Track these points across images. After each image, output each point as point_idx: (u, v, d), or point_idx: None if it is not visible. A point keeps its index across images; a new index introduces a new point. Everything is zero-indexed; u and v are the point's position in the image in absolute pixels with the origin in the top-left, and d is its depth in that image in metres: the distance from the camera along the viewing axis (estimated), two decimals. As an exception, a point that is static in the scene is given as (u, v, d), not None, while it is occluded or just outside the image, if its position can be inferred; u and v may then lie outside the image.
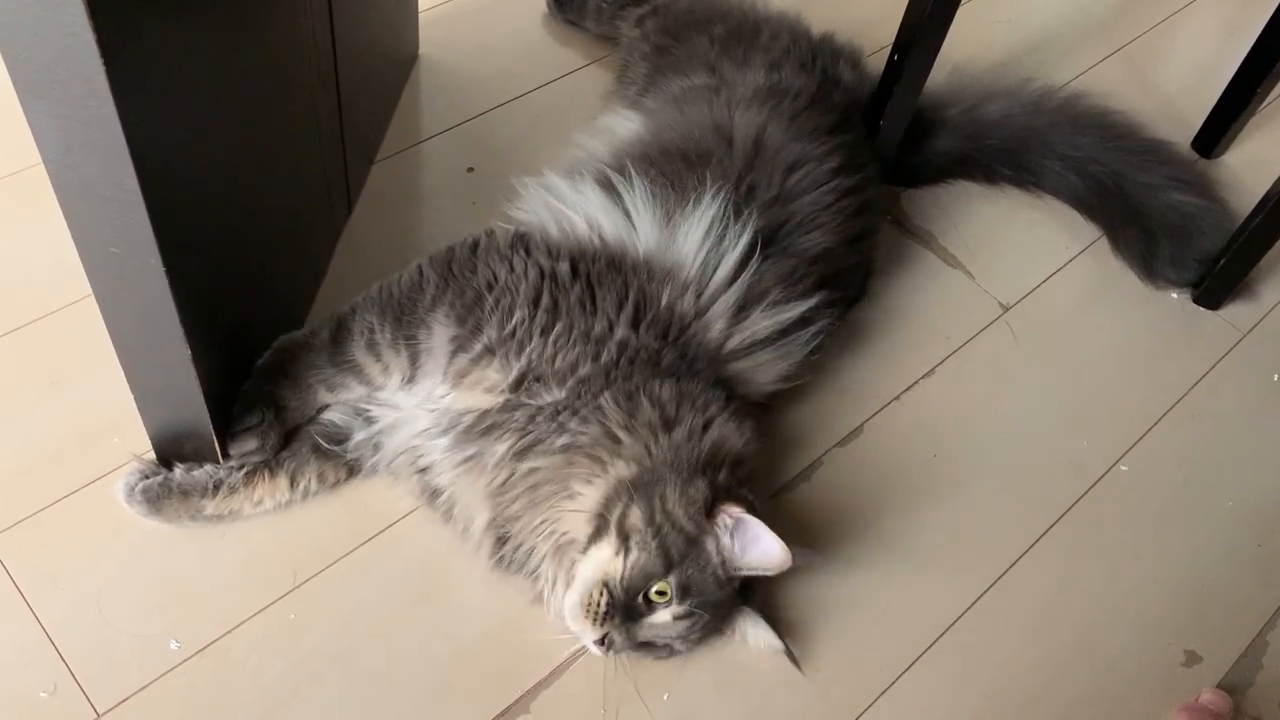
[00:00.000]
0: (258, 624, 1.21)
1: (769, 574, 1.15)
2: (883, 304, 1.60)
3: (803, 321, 1.33)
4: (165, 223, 0.95)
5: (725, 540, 1.13)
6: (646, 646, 1.14)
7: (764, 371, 1.31)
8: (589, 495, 1.15)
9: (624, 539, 1.11)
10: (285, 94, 1.25)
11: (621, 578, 1.10)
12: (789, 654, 1.20)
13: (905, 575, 1.36)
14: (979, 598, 1.35)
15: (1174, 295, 1.69)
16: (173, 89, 0.95)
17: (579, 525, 1.15)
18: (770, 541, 1.11)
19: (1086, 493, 1.46)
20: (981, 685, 1.29)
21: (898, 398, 1.51)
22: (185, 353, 1.08)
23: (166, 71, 0.93)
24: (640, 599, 1.11)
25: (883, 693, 1.27)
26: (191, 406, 1.17)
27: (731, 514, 1.13)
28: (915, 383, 1.53)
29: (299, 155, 1.34)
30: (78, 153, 0.89)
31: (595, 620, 1.10)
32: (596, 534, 1.13)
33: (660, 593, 1.11)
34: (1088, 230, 1.74)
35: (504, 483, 1.17)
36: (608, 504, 1.13)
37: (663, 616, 1.12)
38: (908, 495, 1.42)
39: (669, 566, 1.11)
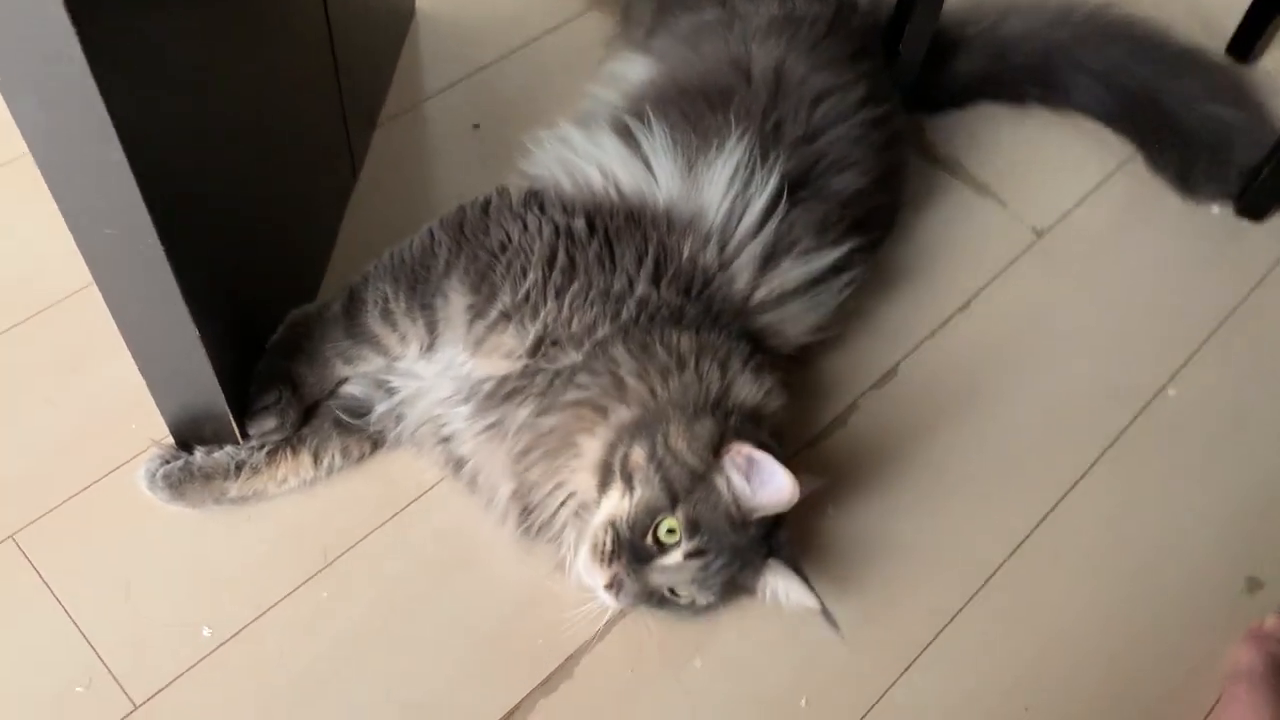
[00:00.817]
0: (290, 605, 1.18)
1: (782, 510, 1.08)
2: (912, 238, 1.55)
3: (835, 269, 1.27)
4: (159, 199, 0.91)
5: (736, 479, 1.07)
6: (665, 602, 1.09)
7: (795, 323, 1.26)
8: (592, 446, 1.11)
9: (628, 479, 1.07)
10: (278, 58, 1.21)
11: (628, 516, 1.06)
12: (825, 614, 1.11)
13: (950, 517, 1.32)
14: (1028, 536, 1.31)
15: (1214, 210, 1.63)
16: (155, 57, 0.90)
17: (587, 481, 1.11)
18: (777, 473, 1.04)
19: (1134, 421, 1.41)
20: (1036, 627, 1.25)
21: (932, 335, 1.46)
22: (194, 334, 1.04)
23: (146, 39, 0.88)
24: (649, 539, 1.06)
25: (931, 641, 1.23)
26: (206, 389, 1.13)
27: (741, 452, 1.06)
28: (950, 318, 1.48)
29: (297, 122, 1.30)
30: (60, 129, 0.85)
31: (602, 560, 1.06)
32: (604, 484, 1.09)
33: (670, 531, 1.06)
34: (1121, 147, 1.67)
35: (524, 449, 1.14)
36: (611, 450, 1.09)
37: (674, 558, 1.06)
38: (948, 435, 1.38)
39: (674, 500, 1.05)
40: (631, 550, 1.06)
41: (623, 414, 1.10)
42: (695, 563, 1.06)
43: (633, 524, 1.06)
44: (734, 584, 1.10)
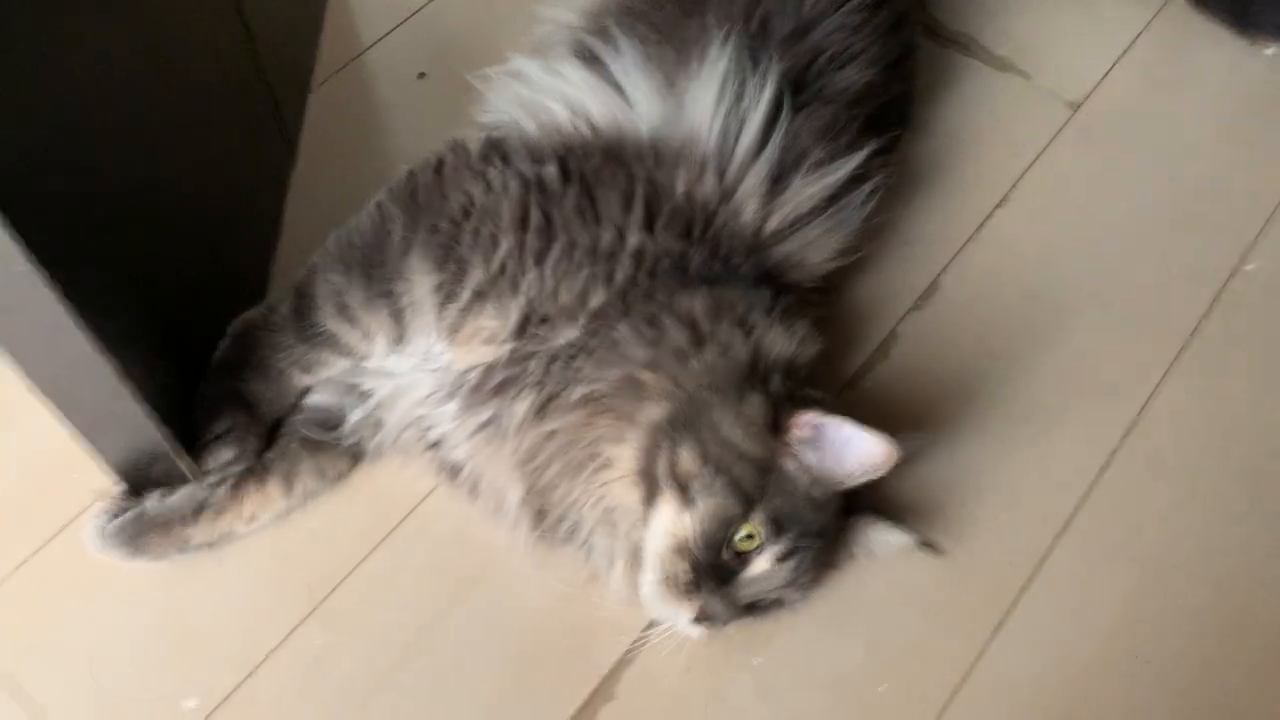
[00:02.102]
0: (282, 658, 1.03)
1: (878, 475, 0.94)
2: (932, 131, 1.35)
3: (854, 180, 1.10)
4: (30, 221, 0.74)
5: (808, 456, 0.93)
6: (754, 609, 0.95)
7: (816, 249, 1.09)
8: (625, 456, 0.95)
9: (683, 490, 0.91)
10: (170, 29, 1.02)
11: (696, 535, 0.91)
12: (924, 544, 1.02)
13: (1024, 442, 1.15)
14: (1115, 451, 1.15)
15: (1269, 51, 1.43)
16: (4, 50, 0.72)
17: (625, 493, 0.95)
18: (865, 438, 0.91)
19: (1213, 304, 1.24)
20: (1137, 550, 1.10)
21: (971, 238, 1.28)
22: (109, 369, 0.88)
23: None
24: (727, 553, 0.91)
25: (1018, 598, 1.07)
26: (141, 428, 0.97)
27: (805, 423, 0.92)
28: (989, 216, 1.30)
29: (207, 101, 1.11)
30: None
31: (683, 595, 0.92)
32: (650, 496, 0.93)
33: (749, 537, 0.91)
34: (1151, -7, 1.47)
35: (531, 449, 0.97)
36: (649, 457, 0.93)
37: (761, 565, 0.92)
38: (1007, 349, 1.20)
39: (748, 503, 0.91)
40: (712, 572, 0.91)
41: (651, 412, 0.94)
42: (788, 564, 0.92)
43: (706, 542, 0.91)
44: (823, 564, 0.98)
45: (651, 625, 1.01)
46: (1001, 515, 1.11)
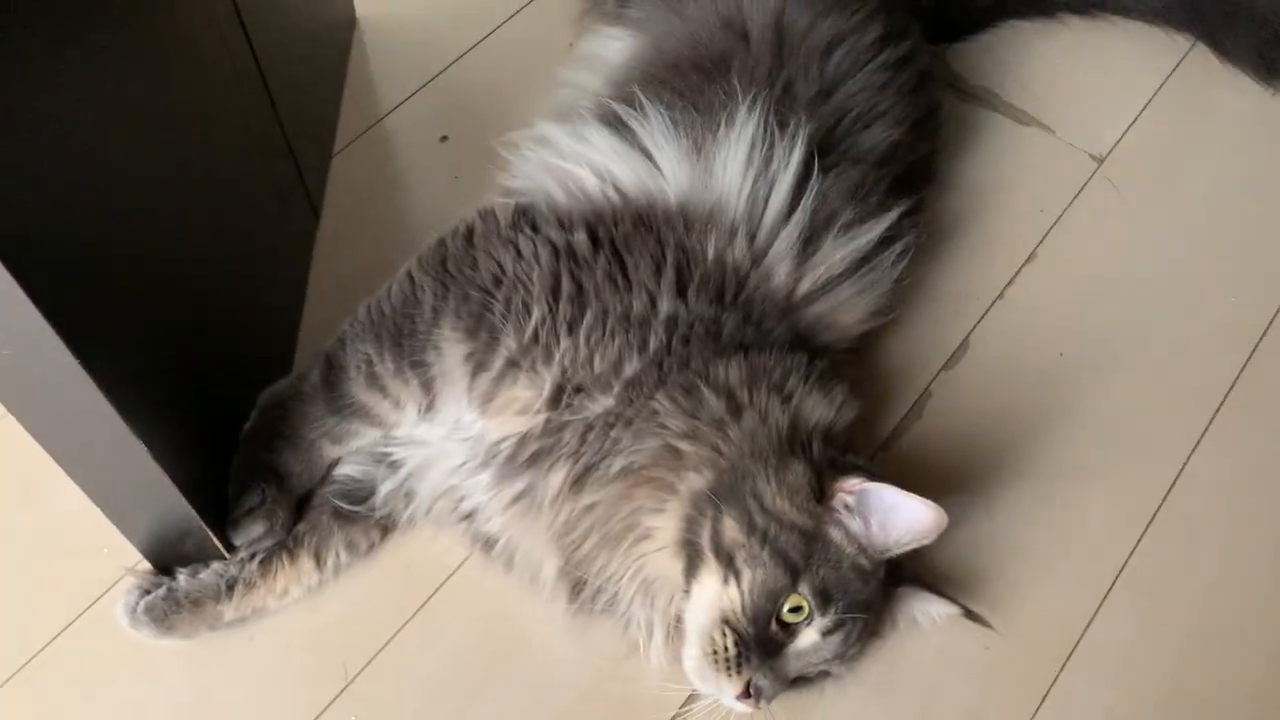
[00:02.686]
0: (314, 738, 1.01)
1: (926, 543, 0.93)
2: (957, 186, 1.35)
3: (884, 241, 1.09)
4: (60, 304, 0.73)
5: (854, 524, 0.92)
6: (799, 682, 0.93)
7: (849, 310, 1.08)
8: (665, 526, 0.93)
9: (727, 561, 0.89)
10: (197, 104, 1.01)
11: (742, 608, 0.89)
12: (969, 614, 0.99)
13: (1061, 504, 1.14)
14: (1155, 513, 1.13)
15: (1293, 98, 1.42)
16: (31, 125, 0.72)
17: (666, 564, 0.94)
18: (912, 505, 0.90)
19: (1251, 356, 1.22)
20: (1182, 616, 1.08)
21: (1001, 295, 1.27)
22: (140, 448, 0.86)
23: (20, 106, 0.69)
24: (774, 626, 0.89)
25: (1070, 653, 1.05)
26: (171, 504, 0.95)
27: (849, 489, 0.91)
28: (1017, 272, 1.29)
29: (233, 170, 1.11)
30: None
31: (729, 670, 0.89)
32: (692, 566, 0.91)
33: (795, 610, 0.89)
34: (1172, 45, 1.47)
35: (568, 521, 0.95)
36: (691, 527, 0.92)
37: (809, 638, 0.90)
38: (1040, 407, 1.19)
39: (795, 574, 0.89)
40: (759, 646, 0.89)
41: (693, 482, 0.93)
42: (836, 636, 0.90)
43: (753, 616, 0.89)
44: (870, 634, 0.95)
45: (692, 699, 0.99)
46: (1042, 581, 1.09)
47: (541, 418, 0.96)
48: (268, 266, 1.20)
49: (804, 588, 0.89)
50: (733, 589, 0.89)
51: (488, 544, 1.03)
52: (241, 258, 1.12)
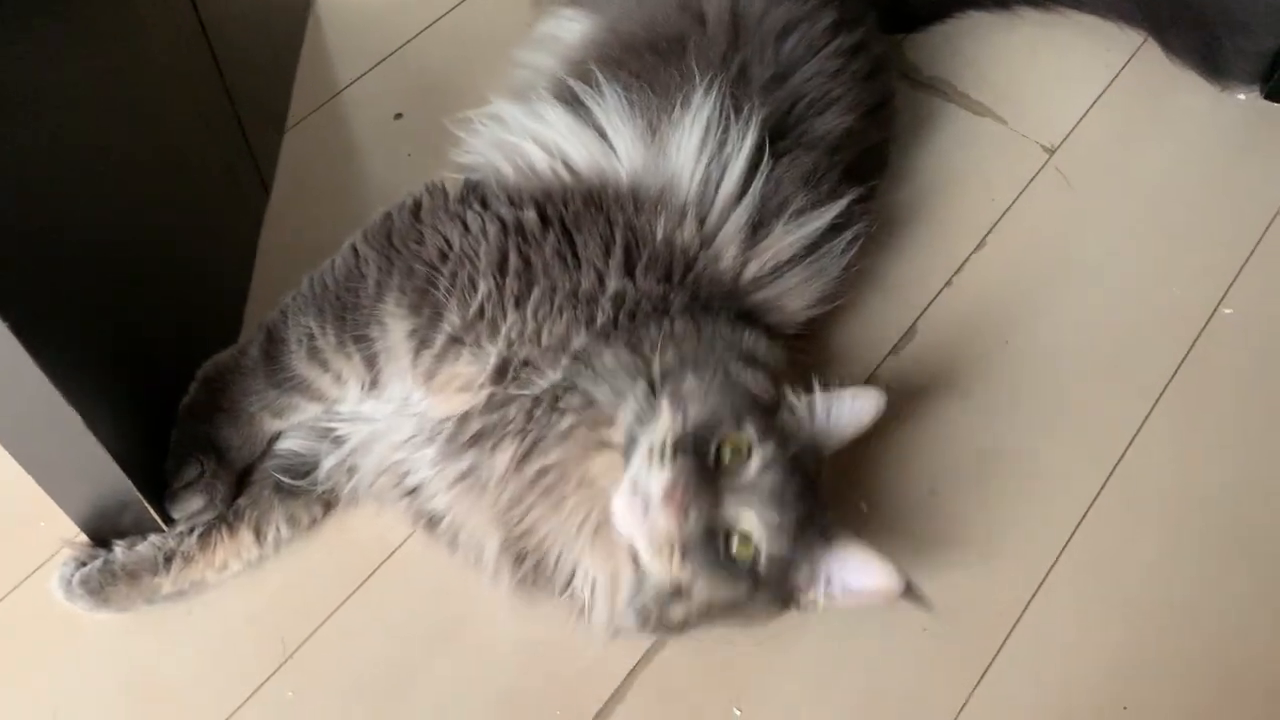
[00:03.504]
0: (251, 712, 1.00)
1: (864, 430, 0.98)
2: (909, 175, 1.35)
3: (834, 228, 1.09)
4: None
5: (803, 409, 0.95)
6: (717, 566, 0.87)
7: (796, 297, 1.08)
8: (600, 462, 0.92)
9: (675, 398, 0.89)
10: (137, 67, 1.00)
11: (682, 427, 0.88)
12: (912, 593, 0.92)
13: (1002, 493, 1.14)
14: (1095, 497, 1.14)
15: (1241, 96, 1.44)
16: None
17: (610, 469, 0.91)
18: (862, 398, 0.96)
19: (1191, 347, 1.24)
20: (1121, 597, 1.09)
21: (949, 282, 1.28)
22: (75, 418, 0.85)
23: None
24: (710, 460, 0.87)
25: (1007, 636, 1.06)
26: (108, 476, 0.94)
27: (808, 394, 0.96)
28: (966, 260, 1.30)
29: (177, 136, 1.10)
30: None
31: (662, 459, 0.86)
32: (640, 423, 0.90)
33: (735, 452, 0.88)
34: (1125, 40, 1.48)
35: (512, 497, 0.95)
36: (640, 411, 0.91)
37: (745, 476, 0.88)
38: (984, 397, 1.20)
39: (739, 417, 0.89)
40: (697, 469, 0.86)
41: (650, 369, 0.94)
42: (770, 476, 0.88)
43: (695, 431, 0.87)
44: (790, 580, 0.91)
45: (633, 674, 0.99)
46: (984, 564, 1.10)
47: (485, 393, 0.96)
48: (214, 239, 1.19)
49: (748, 430, 0.89)
50: (679, 418, 0.88)
51: (431, 521, 1.02)
52: (186, 228, 1.11)
